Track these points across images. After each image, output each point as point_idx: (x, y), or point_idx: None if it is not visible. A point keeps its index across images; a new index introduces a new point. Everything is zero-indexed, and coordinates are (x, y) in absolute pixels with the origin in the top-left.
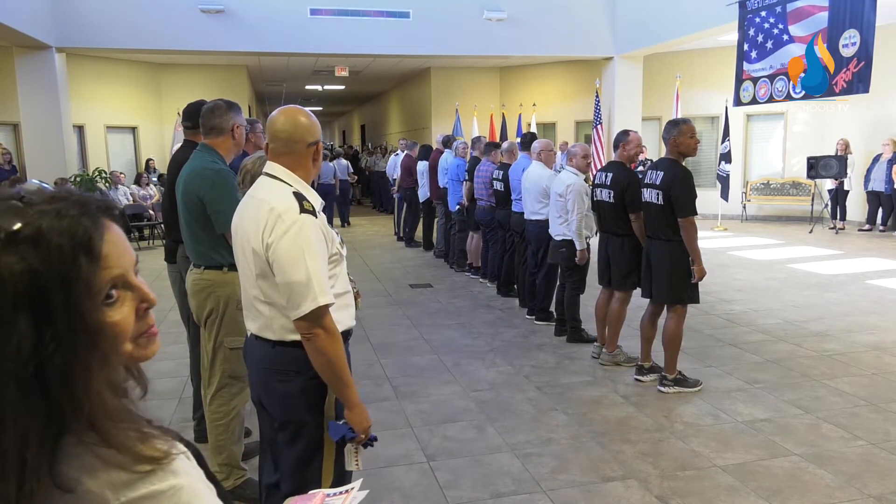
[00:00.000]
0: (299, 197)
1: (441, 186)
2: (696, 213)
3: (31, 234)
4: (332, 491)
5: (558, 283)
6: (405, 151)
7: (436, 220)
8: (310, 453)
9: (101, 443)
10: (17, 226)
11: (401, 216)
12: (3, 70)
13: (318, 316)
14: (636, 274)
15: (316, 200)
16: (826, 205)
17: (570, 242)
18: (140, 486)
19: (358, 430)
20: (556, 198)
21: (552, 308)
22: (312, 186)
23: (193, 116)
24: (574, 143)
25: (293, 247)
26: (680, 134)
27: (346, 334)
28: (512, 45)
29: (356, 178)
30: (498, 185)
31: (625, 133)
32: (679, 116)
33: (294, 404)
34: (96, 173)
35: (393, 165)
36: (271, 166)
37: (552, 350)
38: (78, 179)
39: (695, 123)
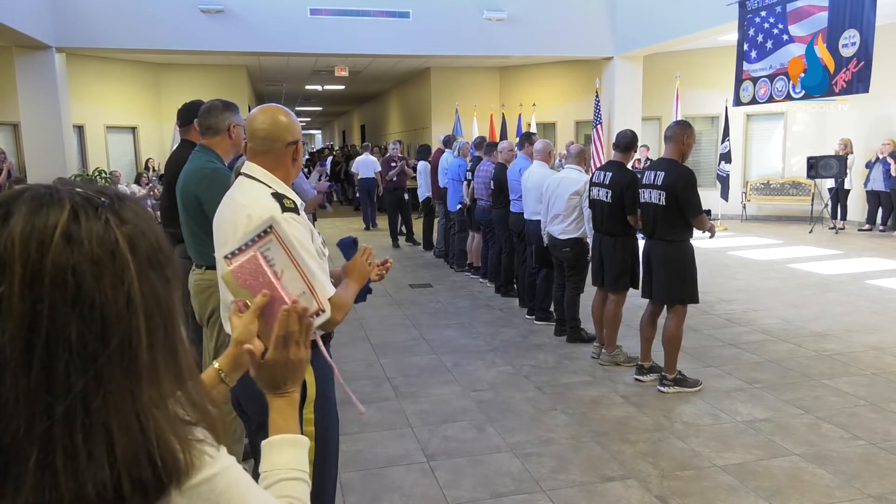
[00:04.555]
0: (278, 196)
1: (441, 186)
2: (703, 211)
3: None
4: (251, 237)
5: (555, 283)
6: (393, 152)
7: (436, 219)
8: None
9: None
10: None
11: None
12: (3, 70)
13: None
14: (628, 275)
15: (297, 199)
16: (826, 205)
17: (577, 241)
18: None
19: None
20: (570, 196)
21: (552, 308)
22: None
23: (183, 115)
24: (573, 142)
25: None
26: (689, 136)
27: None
28: (512, 45)
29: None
30: (491, 185)
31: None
32: (679, 116)
33: None
34: (96, 173)
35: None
36: (249, 166)
37: (552, 350)
38: (78, 179)
39: (695, 123)
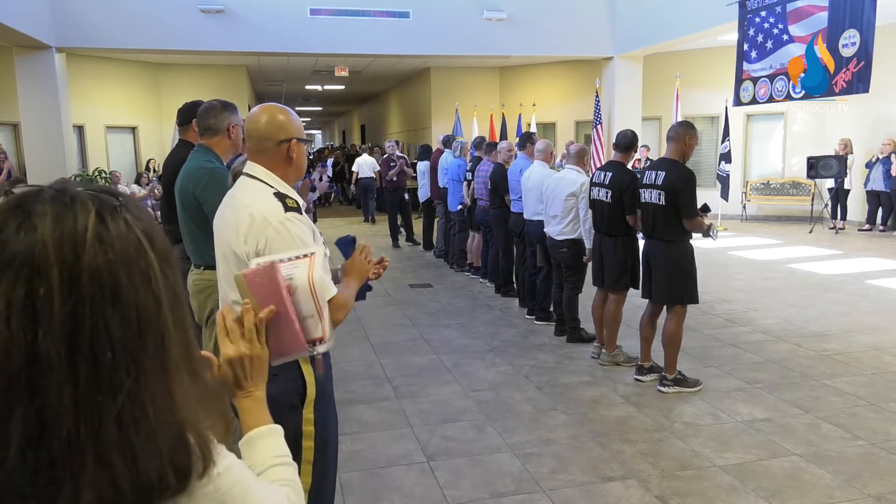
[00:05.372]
0: (280, 196)
1: (441, 186)
2: (698, 213)
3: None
4: (289, 255)
5: (554, 283)
6: (390, 152)
7: (436, 219)
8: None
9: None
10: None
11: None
12: (3, 70)
13: None
14: (628, 275)
15: (299, 199)
16: (826, 205)
17: (574, 242)
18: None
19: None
20: (567, 197)
21: (552, 308)
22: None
23: (181, 115)
24: (573, 142)
25: (287, 246)
26: (692, 137)
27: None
28: (512, 45)
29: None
30: (488, 184)
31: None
32: (679, 117)
33: (271, 407)
34: (96, 173)
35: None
36: (251, 166)
37: (552, 350)
38: (78, 179)
39: (695, 123)
